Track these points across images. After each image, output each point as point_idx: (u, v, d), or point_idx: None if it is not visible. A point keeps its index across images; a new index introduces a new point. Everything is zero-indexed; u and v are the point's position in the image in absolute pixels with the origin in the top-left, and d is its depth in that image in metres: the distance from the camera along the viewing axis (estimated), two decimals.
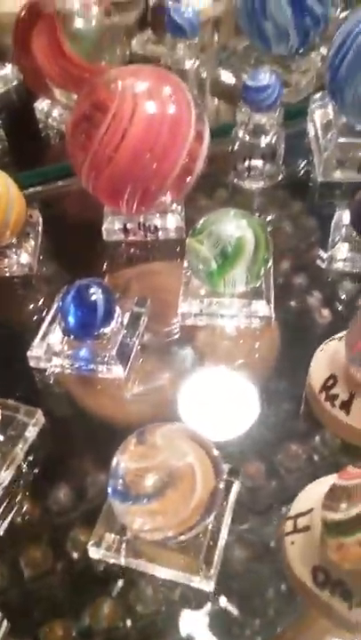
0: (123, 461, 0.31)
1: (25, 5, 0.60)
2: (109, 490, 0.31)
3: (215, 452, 0.32)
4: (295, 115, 0.63)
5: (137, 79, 0.45)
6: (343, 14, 0.73)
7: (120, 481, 0.30)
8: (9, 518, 0.36)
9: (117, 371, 0.42)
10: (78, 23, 0.57)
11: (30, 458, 0.39)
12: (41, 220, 0.52)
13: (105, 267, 0.52)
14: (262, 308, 0.45)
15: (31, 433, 0.39)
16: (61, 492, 0.37)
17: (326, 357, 0.40)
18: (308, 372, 0.40)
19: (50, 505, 0.37)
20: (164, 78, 0.47)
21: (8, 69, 0.72)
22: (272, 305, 0.45)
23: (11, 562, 0.35)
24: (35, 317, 0.47)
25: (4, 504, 0.37)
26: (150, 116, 0.45)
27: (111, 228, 0.52)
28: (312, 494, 0.33)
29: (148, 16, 0.74)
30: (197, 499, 0.30)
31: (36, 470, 0.39)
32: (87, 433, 0.41)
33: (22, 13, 0.59)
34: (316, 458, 0.38)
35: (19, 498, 0.38)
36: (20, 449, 0.39)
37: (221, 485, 0.32)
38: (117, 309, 0.43)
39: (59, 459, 0.39)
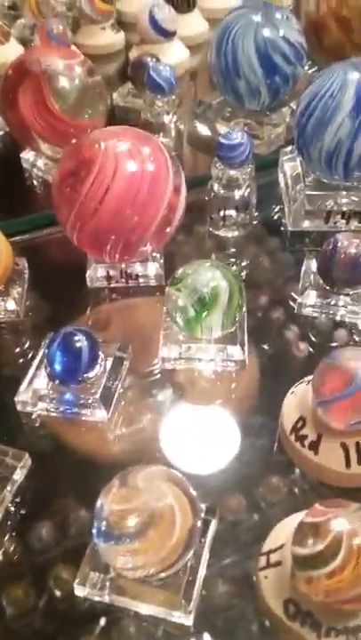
0: (106, 503, 0.33)
1: (12, 64, 0.63)
2: (94, 531, 0.33)
3: (192, 493, 0.34)
4: (267, 166, 0.67)
5: (119, 140, 0.49)
6: (311, 71, 0.79)
7: (104, 522, 0.32)
8: None
9: (101, 414, 0.44)
10: (62, 82, 0.60)
11: (17, 499, 0.41)
12: (27, 267, 0.55)
13: (89, 312, 0.54)
14: (237, 352, 0.48)
15: (18, 475, 0.41)
16: (47, 532, 0.39)
17: (296, 400, 0.42)
18: (281, 413, 0.43)
19: (35, 544, 0.39)
20: (143, 139, 0.50)
21: None
22: (246, 349, 0.48)
23: None
24: (21, 362, 0.50)
25: None
26: (131, 174, 0.48)
27: (94, 275, 0.55)
28: (283, 531, 0.36)
29: (129, 70, 0.79)
30: (177, 537, 0.32)
31: (22, 511, 0.41)
32: (72, 474, 0.43)
33: (9, 71, 0.63)
34: (293, 492, 0.40)
35: (6, 538, 0.39)
36: (9, 491, 0.40)
37: (199, 524, 0.34)
38: (101, 355, 0.45)
39: (45, 499, 0.41)
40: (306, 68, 0.76)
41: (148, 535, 0.32)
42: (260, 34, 0.65)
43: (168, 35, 0.84)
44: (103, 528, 0.32)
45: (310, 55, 0.74)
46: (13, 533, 0.39)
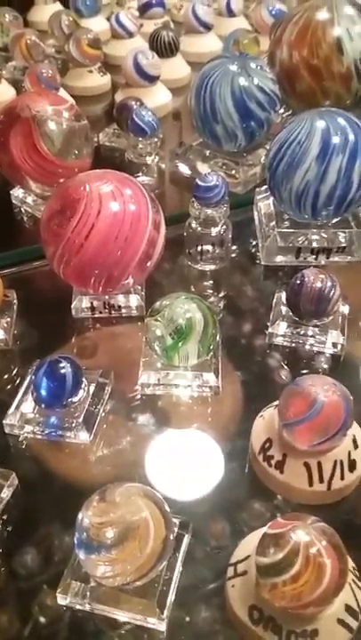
0: (86, 517, 0.36)
1: (4, 109, 0.68)
2: (75, 541, 0.36)
3: (166, 508, 0.37)
4: (243, 204, 0.72)
5: (103, 182, 0.53)
6: (286, 114, 0.84)
7: (84, 534, 0.35)
8: None
9: (83, 436, 0.48)
10: (51, 126, 0.65)
11: (4, 517, 0.44)
12: (16, 298, 0.58)
13: (73, 341, 0.58)
14: (211, 378, 0.51)
15: (6, 494, 0.44)
16: (31, 549, 0.42)
17: (264, 423, 0.46)
18: (251, 435, 0.47)
19: (20, 561, 0.41)
20: (125, 181, 0.54)
21: None
22: (220, 376, 0.52)
23: None
24: (9, 387, 0.53)
25: None
26: (114, 214, 0.52)
27: (79, 306, 0.59)
28: (249, 544, 0.39)
29: (114, 112, 0.83)
30: (151, 548, 0.35)
31: (9, 528, 0.43)
32: (56, 492, 0.46)
33: (1, 115, 0.67)
34: (260, 509, 0.44)
35: None
36: None
37: (171, 537, 0.37)
38: (84, 380, 0.49)
39: (30, 517, 0.44)
40: (281, 111, 0.82)
41: (124, 546, 0.35)
42: (237, 82, 0.70)
43: (152, 79, 0.90)
44: (83, 539, 0.35)
45: (284, 100, 0.79)
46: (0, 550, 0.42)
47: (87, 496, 0.37)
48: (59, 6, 1.21)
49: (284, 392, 0.44)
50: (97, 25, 1.11)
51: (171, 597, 0.38)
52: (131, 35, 1.07)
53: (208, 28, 1.09)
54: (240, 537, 0.41)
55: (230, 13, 1.16)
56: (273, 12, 1.08)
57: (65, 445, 0.48)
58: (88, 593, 0.38)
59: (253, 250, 0.69)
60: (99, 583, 0.37)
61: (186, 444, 0.49)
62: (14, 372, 0.54)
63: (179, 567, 0.39)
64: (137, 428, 0.50)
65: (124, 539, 0.35)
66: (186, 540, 0.41)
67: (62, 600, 0.38)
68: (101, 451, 0.48)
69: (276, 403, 0.46)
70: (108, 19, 1.15)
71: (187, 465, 0.47)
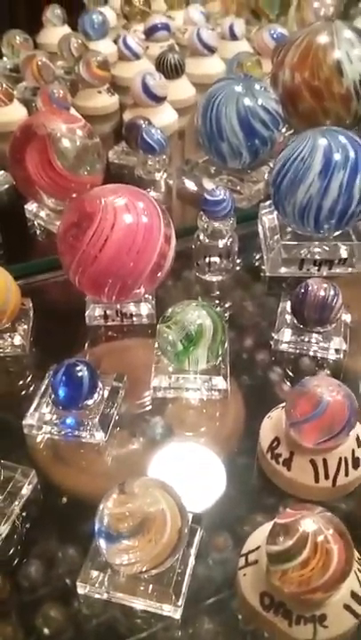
0: (106, 507, 0.38)
1: (20, 127, 0.71)
2: (95, 531, 0.38)
3: (181, 500, 0.39)
4: (247, 218, 0.75)
5: (117, 196, 0.56)
6: (288, 133, 0.87)
7: (104, 523, 0.37)
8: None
9: (99, 436, 0.50)
10: (65, 143, 0.68)
11: (24, 514, 0.46)
12: (32, 307, 0.61)
13: (87, 347, 0.60)
14: (220, 382, 0.54)
15: (26, 491, 0.46)
16: (52, 542, 0.44)
17: (272, 423, 0.48)
18: (259, 435, 0.49)
19: (40, 555, 0.43)
20: (138, 195, 0.57)
21: (0, 175, 0.82)
22: (228, 380, 0.54)
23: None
24: (27, 391, 0.55)
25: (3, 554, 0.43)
26: (128, 226, 0.55)
27: (93, 314, 0.61)
28: (259, 536, 0.41)
29: (123, 131, 0.87)
30: (167, 538, 0.37)
31: (28, 525, 0.45)
32: (73, 489, 0.48)
33: (17, 133, 0.70)
34: (268, 505, 0.46)
35: (13, 551, 0.44)
36: (16, 505, 0.45)
37: (186, 529, 0.39)
38: (99, 384, 0.51)
39: (49, 512, 0.46)
40: (283, 130, 0.85)
41: (142, 535, 0.37)
42: (242, 102, 0.73)
43: (159, 99, 0.93)
44: (103, 528, 0.37)
45: (287, 120, 0.82)
46: (19, 547, 0.44)
47: (102, 492, 0.39)
48: (67, 29, 1.25)
49: (290, 393, 0.46)
50: (104, 47, 1.15)
51: (185, 586, 0.40)
52: (137, 57, 1.11)
53: (212, 50, 1.13)
54: (249, 530, 0.43)
55: (233, 37, 1.20)
56: (275, 36, 1.12)
57: (81, 445, 0.50)
58: (106, 582, 0.40)
59: (258, 262, 0.71)
60: (116, 572, 0.39)
61: (196, 443, 0.51)
62: (31, 375, 0.57)
63: (192, 559, 0.41)
64: (150, 429, 0.52)
65: (142, 528, 0.37)
66: (199, 533, 0.43)
67: (82, 589, 0.40)
68: (115, 450, 0.50)
69: (282, 404, 0.49)
70: (115, 41, 1.19)
71: (197, 463, 0.50)
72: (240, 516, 0.45)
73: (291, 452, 0.46)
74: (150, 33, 1.20)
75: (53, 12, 1.26)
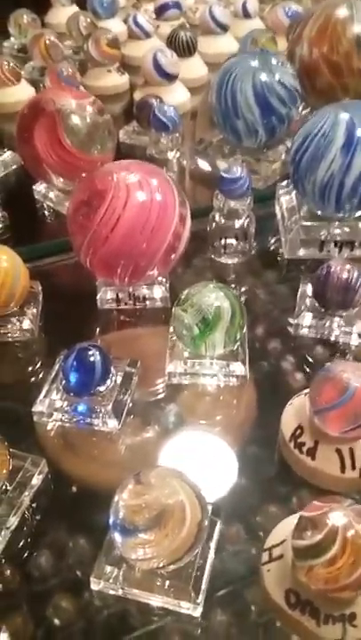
0: (121, 499, 0.36)
1: (28, 103, 0.68)
2: (110, 523, 0.36)
3: (201, 492, 0.37)
4: (264, 199, 0.72)
5: (129, 172, 0.53)
6: (304, 112, 0.84)
7: (120, 515, 0.35)
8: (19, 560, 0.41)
9: (112, 424, 0.48)
10: (75, 120, 0.65)
11: (34, 505, 0.44)
12: (41, 290, 0.59)
13: (98, 332, 0.58)
14: (238, 368, 0.51)
15: (36, 481, 0.44)
16: (63, 535, 0.42)
17: (294, 411, 0.46)
18: (280, 423, 0.46)
19: (51, 548, 0.41)
20: (151, 171, 0.55)
21: (7, 155, 0.80)
22: (247, 365, 0.51)
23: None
24: (35, 377, 0.53)
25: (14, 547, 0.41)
26: (141, 204, 0.52)
27: (104, 297, 0.59)
28: (283, 528, 0.39)
29: (134, 110, 0.84)
30: (186, 531, 0.35)
31: (38, 516, 0.43)
32: (85, 479, 0.46)
33: (25, 110, 0.68)
34: (292, 496, 0.43)
35: (23, 543, 0.42)
36: (26, 496, 0.43)
37: (206, 521, 0.37)
38: (112, 369, 0.49)
39: (60, 503, 0.44)
40: (300, 109, 0.82)
41: (160, 529, 0.34)
42: (258, 78, 0.70)
43: (171, 78, 0.90)
44: (119, 521, 0.35)
45: (304, 97, 0.79)
46: (29, 539, 0.42)
47: (116, 482, 0.37)
48: (75, 9, 1.22)
49: (315, 378, 0.43)
50: (114, 27, 1.12)
51: (205, 583, 0.38)
52: (148, 35, 1.08)
53: (225, 29, 1.10)
54: (271, 523, 0.41)
55: (246, 15, 1.17)
56: (289, 13, 1.08)
57: (93, 433, 0.48)
58: (121, 577, 0.38)
59: (275, 244, 0.69)
60: (132, 567, 0.37)
61: (213, 431, 0.49)
62: (41, 361, 0.55)
63: (212, 553, 0.39)
64: (165, 417, 0.50)
65: (160, 521, 0.34)
66: (218, 526, 0.41)
67: (95, 585, 0.38)
68: (129, 439, 0.48)
69: (305, 391, 0.46)
70: (125, 21, 1.16)
71: (214, 452, 0.47)
72: (261, 508, 0.43)
73: (315, 441, 0.43)
74: (161, 11, 1.16)
75: None
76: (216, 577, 0.39)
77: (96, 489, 0.44)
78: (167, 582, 0.37)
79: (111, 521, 0.36)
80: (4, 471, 0.41)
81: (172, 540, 0.35)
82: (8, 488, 0.42)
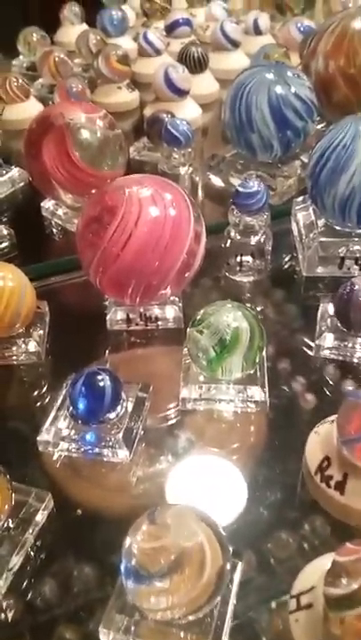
0: (135, 541, 0.32)
1: (36, 117, 0.66)
2: (122, 569, 0.33)
3: (222, 532, 0.34)
4: (279, 215, 0.69)
5: (142, 186, 0.51)
6: (320, 126, 0.82)
7: (132, 561, 0.32)
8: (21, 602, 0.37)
9: (123, 454, 0.44)
10: (85, 134, 0.63)
11: (38, 543, 0.40)
12: (48, 310, 0.56)
13: (108, 354, 0.55)
14: (257, 393, 0.48)
15: (41, 517, 0.40)
16: (69, 579, 0.38)
17: (320, 440, 0.42)
18: (304, 454, 0.43)
19: (56, 593, 0.38)
20: (165, 185, 0.52)
21: (14, 172, 0.78)
22: (267, 390, 0.48)
23: None
24: (41, 403, 0.50)
25: (16, 590, 0.38)
26: (154, 219, 0.49)
27: (114, 318, 0.56)
28: (312, 573, 0.35)
29: (144, 126, 0.82)
30: (206, 578, 0.32)
31: (43, 556, 0.40)
32: (93, 515, 0.42)
33: (33, 124, 0.66)
34: (318, 534, 0.40)
35: (26, 585, 0.38)
36: (30, 533, 0.40)
37: (229, 565, 0.33)
38: (123, 395, 0.46)
39: (66, 542, 0.40)
40: (316, 124, 0.79)
41: (177, 575, 0.31)
42: (274, 91, 0.68)
43: (182, 93, 0.88)
44: (132, 567, 0.32)
45: (319, 111, 0.77)
46: (32, 580, 0.39)
47: (127, 519, 0.34)
48: (85, 27, 1.21)
49: (343, 405, 0.40)
50: (123, 45, 1.10)
51: (226, 635, 0.34)
52: (158, 52, 1.06)
53: (236, 45, 1.08)
54: (297, 566, 0.37)
55: (258, 32, 1.16)
56: (301, 29, 1.07)
57: (102, 464, 0.45)
58: (133, 628, 0.34)
59: (292, 261, 0.66)
60: (146, 617, 0.34)
61: (231, 462, 0.46)
62: (47, 386, 0.51)
63: (233, 600, 0.36)
64: (178, 446, 0.47)
65: (177, 567, 0.31)
66: (239, 567, 0.37)
67: (105, 636, 0.34)
68: (141, 470, 0.45)
69: (331, 418, 0.43)
70: (135, 39, 1.15)
71: (232, 486, 0.44)
72: (286, 548, 0.39)
73: (344, 474, 0.40)
74: (171, 29, 1.15)
75: (71, 10, 1.23)
76: (238, 628, 0.35)
77: (106, 526, 0.41)
78: (184, 634, 0.34)
79: (123, 566, 0.32)
80: (6, 507, 0.38)
81: (190, 588, 0.31)
82: (10, 525, 0.39)
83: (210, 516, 0.34)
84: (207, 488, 0.43)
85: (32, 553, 0.40)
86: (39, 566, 0.39)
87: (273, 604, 0.37)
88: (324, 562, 0.33)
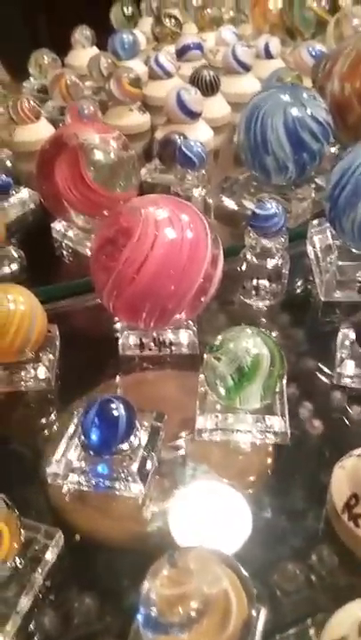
0: (154, 587, 0.30)
1: (49, 138, 0.65)
2: (139, 618, 0.30)
3: (247, 577, 0.31)
4: (294, 238, 0.67)
5: (158, 207, 0.49)
6: (334, 149, 0.81)
7: (152, 609, 0.29)
8: None
9: (137, 488, 0.42)
10: (98, 155, 0.62)
11: (48, 583, 0.38)
12: (58, 334, 0.54)
13: (121, 380, 0.53)
14: (277, 423, 0.46)
15: (50, 555, 0.38)
16: (81, 625, 0.36)
17: (346, 475, 0.40)
18: (329, 490, 0.40)
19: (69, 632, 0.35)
20: (181, 206, 0.51)
21: (24, 193, 0.77)
22: (287, 420, 0.46)
23: None
24: (51, 432, 0.48)
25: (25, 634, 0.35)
26: (170, 242, 0.48)
27: (127, 342, 0.54)
28: (343, 620, 0.32)
29: (155, 148, 0.81)
30: (232, 628, 0.29)
31: (53, 597, 0.37)
32: (107, 553, 0.40)
33: (46, 145, 0.65)
34: (347, 577, 0.37)
35: (35, 628, 0.36)
36: (39, 573, 0.37)
37: (255, 613, 0.31)
38: (137, 424, 0.44)
39: (77, 583, 0.38)
40: (332, 147, 0.78)
41: (200, 625, 0.29)
42: (289, 112, 0.67)
43: (194, 115, 0.88)
44: (151, 616, 0.29)
45: (335, 135, 0.76)
46: (43, 621, 0.36)
47: (143, 558, 0.31)
48: (96, 50, 1.22)
49: None
50: (134, 68, 1.11)
51: None
52: (169, 75, 1.06)
53: (247, 68, 1.08)
54: (326, 610, 0.34)
55: (268, 56, 1.15)
56: (313, 53, 1.06)
57: (114, 498, 0.42)
58: None
59: (308, 286, 0.64)
60: None
61: (249, 498, 0.43)
62: (57, 414, 0.49)
63: None
64: (194, 479, 0.44)
65: (200, 616, 0.29)
66: (263, 614, 0.34)
67: None
68: (156, 505, 0.42)
69: (358, 451, 0.40)
70: (145, 62, 1.15)
71: (251, 523, 0.41)
72: (312, 593, 0.37)
73: None
74: (182, 53, 1.15)
75: (82, 33, 1.23)
76: None
77: (119, 564, 0.39)
78: None
79: (141, 614, 0.30)
80: (15, 545, 0.36)
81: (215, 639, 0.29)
82: (18, 565, 0.37)
83: (233, 558, 0.32)
84: (221, 527, 0.41)
85: (41, 593, 0.37)
86: (49, 608, 0.37)
87: None
88: (355, 608, 0.31)
